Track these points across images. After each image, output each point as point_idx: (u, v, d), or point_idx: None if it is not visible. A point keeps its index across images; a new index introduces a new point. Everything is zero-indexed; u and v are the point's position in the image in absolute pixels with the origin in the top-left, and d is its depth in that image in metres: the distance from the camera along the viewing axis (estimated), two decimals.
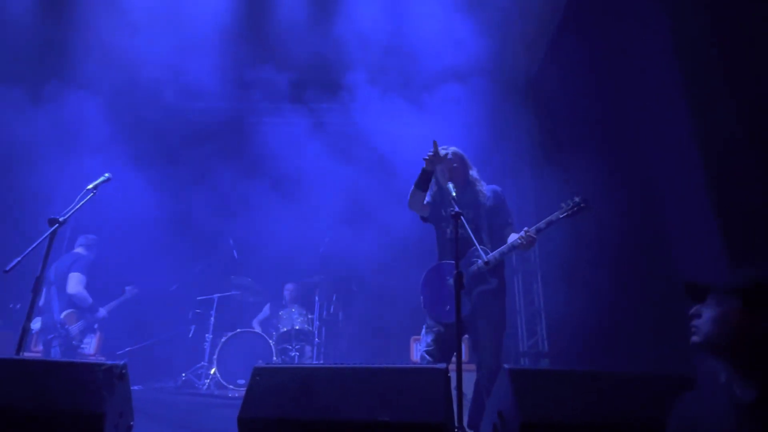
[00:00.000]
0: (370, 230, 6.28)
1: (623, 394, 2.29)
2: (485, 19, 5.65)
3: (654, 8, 3.64)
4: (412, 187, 3.79)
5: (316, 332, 6.06)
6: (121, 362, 2.67)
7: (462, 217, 3.18)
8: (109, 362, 2.71)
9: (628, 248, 4.13)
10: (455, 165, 3.78)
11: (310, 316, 6.17)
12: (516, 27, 5.94)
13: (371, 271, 6.46)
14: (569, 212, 3.41)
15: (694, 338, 1.57)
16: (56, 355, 4.98)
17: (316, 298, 6.27)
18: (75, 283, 5.23)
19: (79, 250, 5.52)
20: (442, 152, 3.69)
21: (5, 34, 5.69)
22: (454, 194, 3.40)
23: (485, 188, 3.79)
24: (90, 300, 5.29)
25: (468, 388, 4.45)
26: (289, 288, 6.61)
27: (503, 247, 3.45)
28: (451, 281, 3.58)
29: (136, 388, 4.49)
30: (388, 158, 6.21)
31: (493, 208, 3.69)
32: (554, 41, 5.96)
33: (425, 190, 3.78)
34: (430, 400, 2.22)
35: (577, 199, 3.41)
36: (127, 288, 5.79)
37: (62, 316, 5.15)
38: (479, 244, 3.22)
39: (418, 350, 5.51)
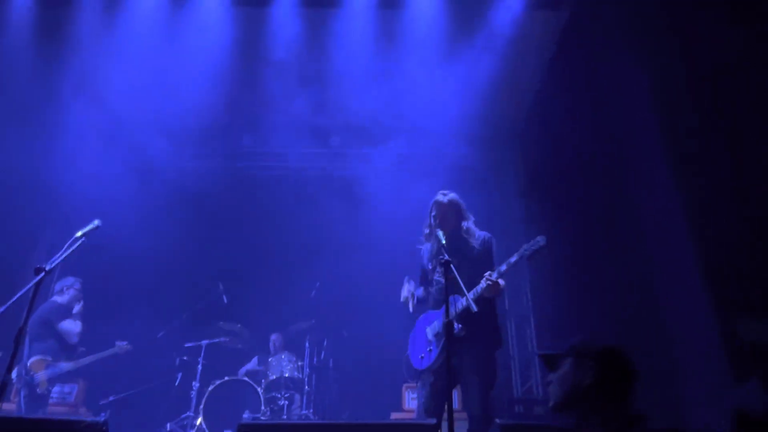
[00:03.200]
0: (361, 276, 6.27)
1: None
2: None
3: (633, 64, 3.78)
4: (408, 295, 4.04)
5: (306, 380, 5.92)
6: (102, 418, 2.59)
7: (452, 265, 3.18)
8: (88, 419, 2.63)
9: (619, 296, 4.13)
10: (450, 212, 3.80)
11: (300, 363, 6.04)
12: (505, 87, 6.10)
13: (362, 317, 6.39)
14: (530, 252, 3.34)
15: (550, 403, 1.81)
16: (23, 404, 4.85)
17: (307, 344, 6.15)
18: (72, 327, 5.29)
19: (55, 297, 5.50)
20: (442, 198, 3.81)
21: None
22: (443, 242, 3.41)
23: (476, 237, 3.78)
24: (75, 339, 5.27)
25: None
26: (273, 338, 6.52)
27: (469, 294, 3.23)
28: (427, 329, 3.70)
29: None
30: (382, 207, 6.27)
31: (478, 257, 3.68)
32: (540, 96, 6.12)
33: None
34: None
35: (539, 240, 3.34)
36: (118, 343, 5.68)
37: (29, 363, 5.05)
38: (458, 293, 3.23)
39: (410, 398, 5.39)
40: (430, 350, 3.56)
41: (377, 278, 6.24)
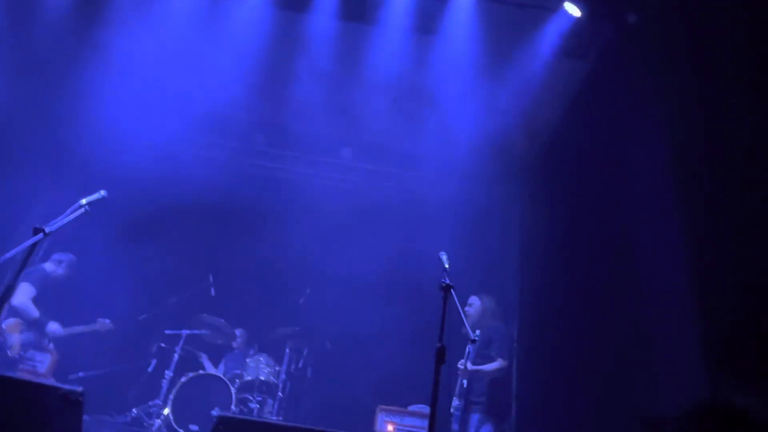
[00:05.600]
0: (354, 292, 6.24)
1: None
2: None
3: (653, 123, 3.84)
4: None
5: (281, 385, 5.82)
6: (79, 388, 2.53)
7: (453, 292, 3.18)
8: (65, 387, 2.57)
9: (607, 345, 4.11)
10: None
11: (277, 368, 5.95)
12: (522, 117, 6.19)
13: (348, 331, 6.33)
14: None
15: None
16: None
17: (287, 350, 6.07)
18: (21, 294, 5.07)
19: (46, 264, 5.41)
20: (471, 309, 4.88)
21: None
22: (446, 266, 3.41)
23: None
24: (35, 314, 5.10)
25: None
26: (238, 333, 6.42)
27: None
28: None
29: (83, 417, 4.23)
30: (385, 226, 6.28)
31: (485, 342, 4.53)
32: (559, 129, 6.19)
33: None
34: None
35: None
36: (100, 320, 5.59)
37: (5, 325, 4.95)
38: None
39: (382, 420, 5.30)
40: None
41: (370, 296, 6.22)
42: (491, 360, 4.60)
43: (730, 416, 1.51)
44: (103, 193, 3.98)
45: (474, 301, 4.93)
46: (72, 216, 3.80)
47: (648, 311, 3.71)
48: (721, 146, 3.28)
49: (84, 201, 3.88)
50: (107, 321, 5.63)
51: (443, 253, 3.50)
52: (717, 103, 3.46)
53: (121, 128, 6.30)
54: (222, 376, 5.73)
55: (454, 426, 4.45)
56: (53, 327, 5.23)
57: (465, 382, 4.46)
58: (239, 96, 6.15)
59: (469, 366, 4.40)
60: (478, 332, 3.68)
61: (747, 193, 2.87)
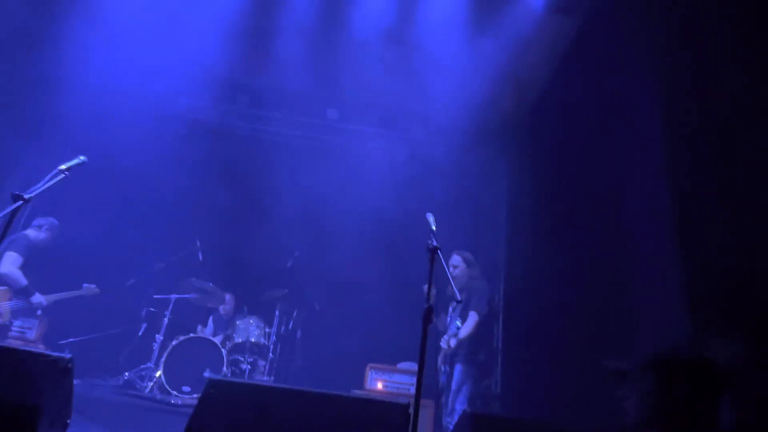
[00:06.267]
0: (341, 253, 6.26)
1: None
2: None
3: (643, 77, 3.80)
4: None
5: (271, 347, 5.91)
6: (68, 355, 2.54)
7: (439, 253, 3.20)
8: (54, 354, 2.57)
9: (591, 303, 4.19)
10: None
11: (267, 330, 6.02)
12: (509, 75, 6.10)
13: (337, 293, 6.39)
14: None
15: (627, 419, 1.75)
16: None
17: (277, 312, 6.14)
18: (8, 263, 5.06)
19: (28, 231, 5.34)
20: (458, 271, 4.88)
21: None
22: (433, 227, 3.41)
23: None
24: (23, 282, 5.10)
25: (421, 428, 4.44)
26: (227, 298, 6.47)
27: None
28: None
29: (74, 381, 4.26)
30: (372, 187, 6.24)
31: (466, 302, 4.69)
32: (547, 87, 6.12)
33: None
34: None
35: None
36: (86, 285, 5.58)
37: None
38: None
39: (372, 378, 5.42)
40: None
41: (357, 257, 6.25)
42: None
43: (696, 366, 1.56)
44: (82, 158, 3.90)
45: (458, 262, 4.96)
46: (52, 182, 3.74)
47: (633, 265, 3.77)
48: (711, 104, 3.26)
49: (63, 166, 3.81)
50: (93, 286, 5.63)
51: (430, 214, 3.49)
52: (709, 60, 3.42)
53: (101, 92, 6.11)
54: (213, 339, 5.79)
55: (441, 379, 4.80)
56: (38, 299, 5.22)
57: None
58: (221, 56, 5.97)
59: (452, 343, 4.61)
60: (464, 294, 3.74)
61: (734, 148, 2.88)
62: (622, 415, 1.70)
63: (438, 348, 4.86)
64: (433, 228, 3.39)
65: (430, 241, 3.26)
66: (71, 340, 5.74)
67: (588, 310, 4.12)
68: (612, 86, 4.55)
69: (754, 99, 3.02)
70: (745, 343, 2.78)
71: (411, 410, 2.34)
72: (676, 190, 3.12)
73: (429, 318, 3.04)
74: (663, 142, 3.40)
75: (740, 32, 3.25)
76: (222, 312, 6.48)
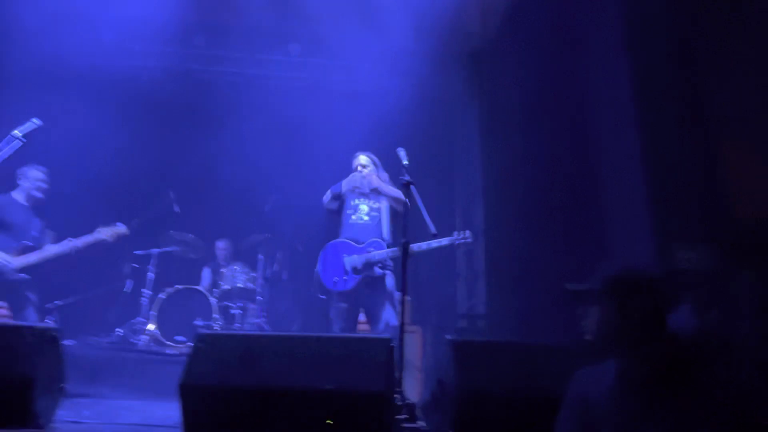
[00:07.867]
0: (318, 192, 6.22)
1: (550, 364, 2.43)
2: None
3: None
4: (331, 195, 4.44)
5: (258, 290, 6.02)
6: (53, 325, 2.57)
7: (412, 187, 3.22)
8: (38, 324, 2.60)
9: (571, 223, 4.30)
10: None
11: (253, 275, 6.11)
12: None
13: (317, 232, 6.43)
14: (454, 243, 3.74)
15: (587, 337, 1.77)
16: None
17: (260, 257, 6.19)
18: None
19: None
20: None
21: None
22: (405, 162, 3.40)
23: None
24: None
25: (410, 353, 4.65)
26: (220, 246, 6.49)
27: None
28: (344, 259, 4.11)
29: (68, 343, 4.32)
30: (338, 118, 6.11)
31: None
32: (513, 10, 5.93)
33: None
34: (371, 370, 2.27)
35: (467, 235, 3.76)
36: (66, 240, 5.46)
37: None
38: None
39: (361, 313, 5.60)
40: (346, 279, 4.04)
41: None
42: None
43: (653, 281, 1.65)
44: (36, 121, 3.75)
45: (367, 162, 4.49)
46: (9, 150, 3.62)
47: (603, 182, 3.85)
48: (676, 26, 3.21)
49: (18, 132, 3.68)
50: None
51: (401, 149, 3.46)
52: None
53: (51, 42, 5.74)
54: (200, 288, 5.87)
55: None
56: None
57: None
58: None
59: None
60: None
61: (698, 63, 2.87)
62: (584, 333, 1.81)
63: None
64: (405, 163, 3.39)
65: (402, 177, 3.27)
66: (57, 302, 5.73)
67: (560, 229, 4.24)
68: (580, 8, 4.43)
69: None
70: (710, 250, 2.92)
71: (394, 343, 2.44)
72: (642, 107, 3.13)
73: (407, 251, 3.11)
74: (629, 60, 3.37)
75: None
76: (221, 260, 6.46)
